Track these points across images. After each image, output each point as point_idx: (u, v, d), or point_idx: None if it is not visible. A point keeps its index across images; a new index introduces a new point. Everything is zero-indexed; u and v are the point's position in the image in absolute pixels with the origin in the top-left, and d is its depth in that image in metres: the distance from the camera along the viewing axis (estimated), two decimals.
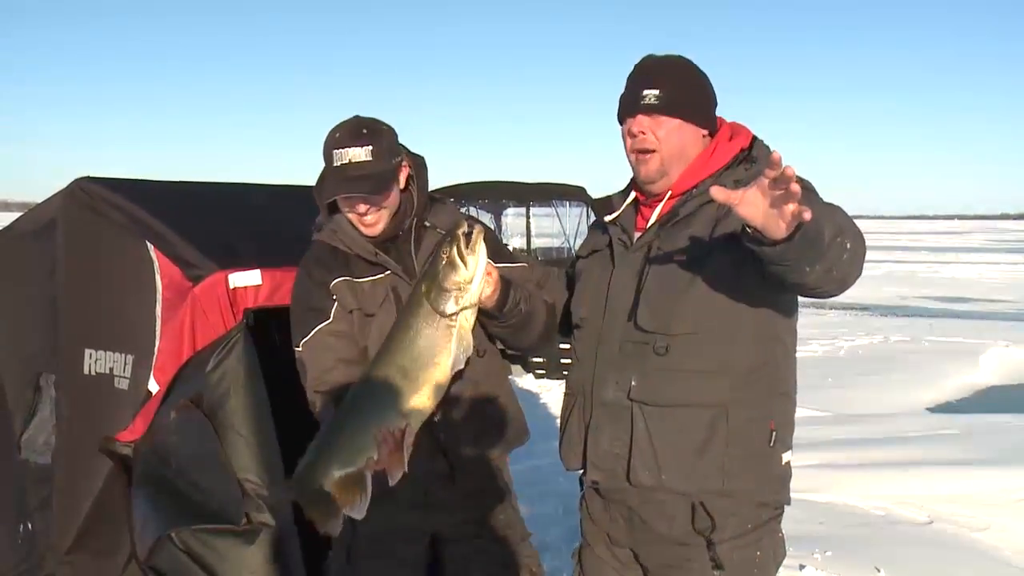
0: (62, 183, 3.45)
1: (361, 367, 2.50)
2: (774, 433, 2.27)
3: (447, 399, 2.45)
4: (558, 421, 2.56)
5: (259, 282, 3.00)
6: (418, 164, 2.64)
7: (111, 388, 3.18)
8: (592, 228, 2.65)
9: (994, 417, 8.65)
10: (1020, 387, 11.17)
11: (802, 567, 4.51)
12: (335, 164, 2.47)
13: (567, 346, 2.58)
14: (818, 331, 14.79)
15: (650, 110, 2.28)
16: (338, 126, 2.51)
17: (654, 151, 2.30)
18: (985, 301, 21.66)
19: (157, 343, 3.05)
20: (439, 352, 2.22)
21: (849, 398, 9.54)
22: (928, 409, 9.54)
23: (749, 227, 1.89)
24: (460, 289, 2.19)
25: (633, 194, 2.42)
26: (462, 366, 2.26)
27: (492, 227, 13.49)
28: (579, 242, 2.77)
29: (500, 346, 2.71)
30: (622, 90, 2.37)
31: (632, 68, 2.37)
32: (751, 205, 1.85)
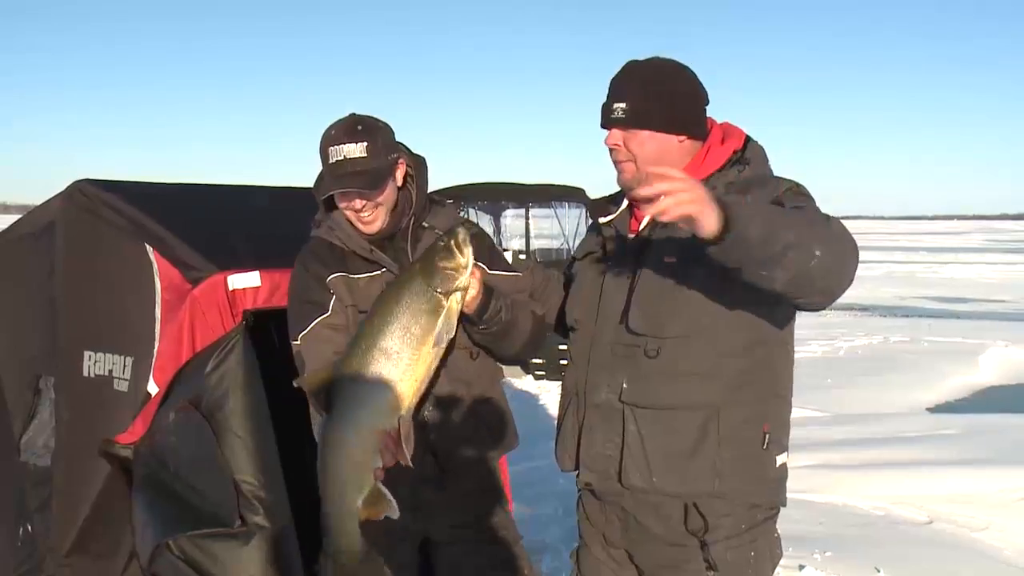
0: (61, 185, 3.45)
1: None
2: (767, 435, 2.27)
3: (438, 400, 2.45)
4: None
5: (258, 284, 3.00)
6: (418, 164, 2.64)
7: (110, 390, 3.18)
8: (589, 230, 2.66)
9: (993, 417, 8.66)
10: (1019, 387, 11.18)
11: (802, 567, 4.51)
12: (331, 161, 2.48)
13: (566, 347, 2.58)
14: (817, 331, 14.79)
15: (618, 123, 2.30)
16: (334, 124, 2.52)
17: (629, 161, 2.31)
18: (984, 301, 21.68)
19: (156, 345, 3.05)
20: (425, 328, 2.24)
21: (848, 398, 9.55)
22: (927, 409, 9.55)
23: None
24: (456, 271, 2.23)
25: (626, 199, 2.43)
26: (443, 345, 2.28)
27: (492, 228, 13.51)
28: (578, 243, 2.78)
29: None
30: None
31: (612, 77, 2.37)
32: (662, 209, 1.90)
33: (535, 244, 12.80)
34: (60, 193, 3.43)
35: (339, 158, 2.46)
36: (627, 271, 2.30)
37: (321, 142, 2.52)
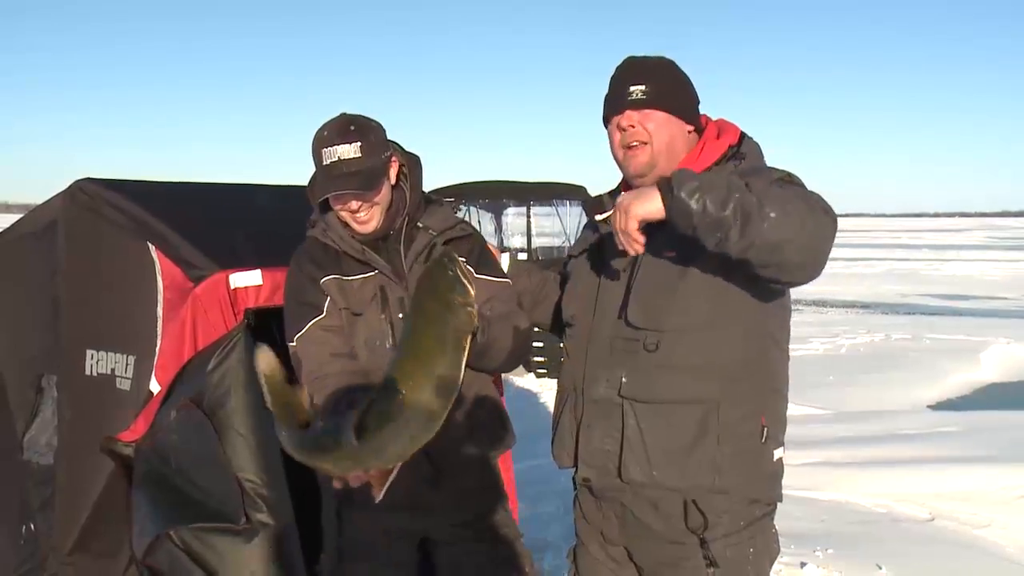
0: (62, 184, 3.45)
1: (353, 360, 2.50)
2: (765, 429, 2.28)
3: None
4: None
5: (260, 282, 3.00)
6: (412, 162, 2.63)
7: (113, 388, 3.18)
8: (584, 228, 2.66)
9: (995, 414, 8.67)
10: (1021, 384, 11.18)
11: (803, 565, 4.52)
12: (324, 163, 2.46)
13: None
14: (819, 329, 14.80)
15: (638, 105, 2.31)
16: (326, 124, 2.50)
17: (645, 143, 2.32)
18: (986, 298, 21.68)
19: (158, 343, 3.05)
20: (458, 369, 2.07)
21: (850, 396, 9.56)
22: (929, 406, 9.55)
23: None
24: (471, 305, 2.08)
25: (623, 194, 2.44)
26: (483, 388, 2.27)
27: (493, 227, 13.51)
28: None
29: None
30: (606, 91, 2.39)
31: (615, 69, 2.40)
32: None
33: (536, 242, 12.80)
34: (62, 192, 3.43)
35: (333, 159, 2.45)
36: (624, 266, 2.31)
37: (313, 143, 2.50)
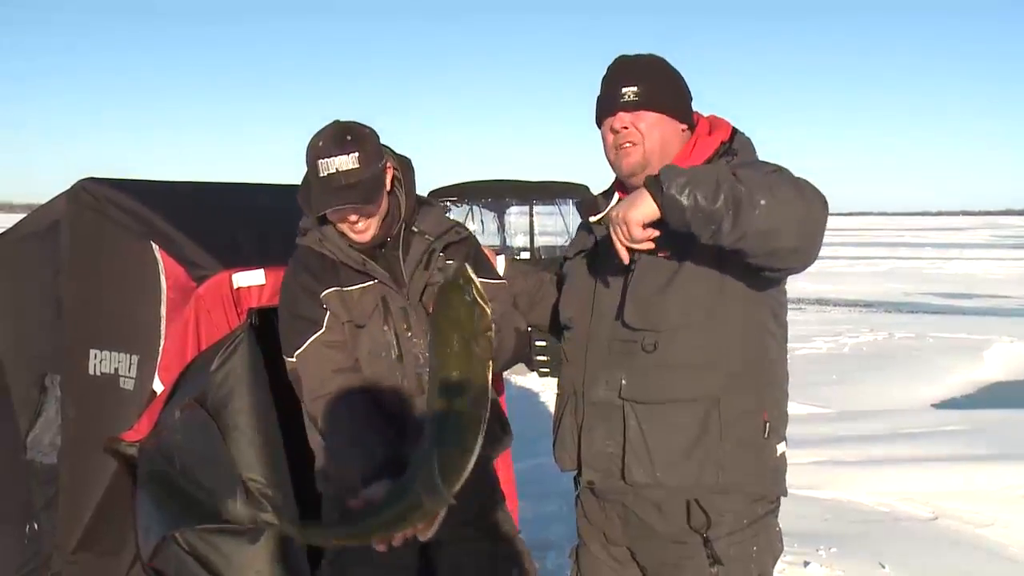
0: (66, 184, 3.45)
1: (355, 375, 2.48)
2: (767, 424, 2.28)
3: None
4: None
5: (263, 282, 3.00)
6: (404, 166, 2.59)
7: (116, 388, 3.19)
8: (579, 229, 2.65)
9: (998, 412, 8.66)
10: None
11: (806, 563, 4.52)
12: (321, 174, 2.40)
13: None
14: (822, 327, 14.79)
15: (630, 106, 2.31)
16: (320, 133, 2.44)
17: (637, 144, 2.32)
18: (989, 297, 21.66)
19: (162, 343, 3.05)
20: (486, 395, 2.08)
21: (853, 394, 9.55)
22: (932, 405, 9.55)
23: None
24: (491, 329, 2.05)
25: (617, 195, 2.42)
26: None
27: (496, 226, 13.51)
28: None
29: None
30: (598, 93, 2.39)
31: (606, 70, 2.39)
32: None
33: (539, 241, 12.80)
34: (65, 192, 3.44)
35: (331, 171, 2.38)
36: (620, 267, 2.31)
37: (308, 154, 2.44)
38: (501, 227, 13.56)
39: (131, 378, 3.15)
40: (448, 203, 12.18)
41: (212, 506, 2.92)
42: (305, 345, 2.49)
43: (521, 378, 10.06)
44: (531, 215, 12.87)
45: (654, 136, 2.31)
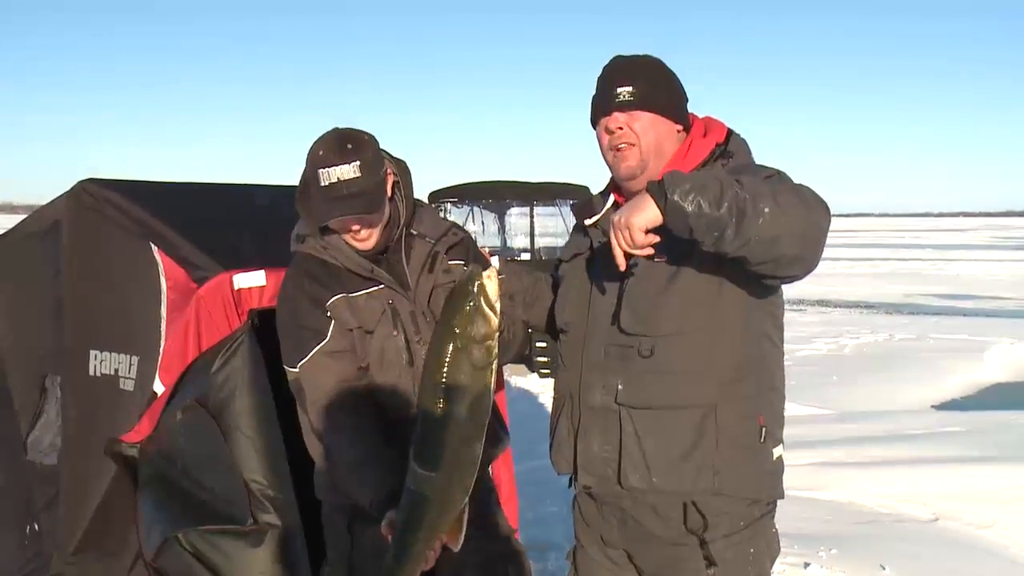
0: (66, 185, 3.46)
1: (359, 385, 2.47)
2: (764, 429, 2.27)
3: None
4: None
5: (264, 283, 3.00)
6: (402, 170, 2.57)
7: (116, 389, 3.19)
8: (574, 231, 2.63)
9: (999, 414, 8.66)
10: None
11: (807, 565, 4.51)
12: (322, 184, 2.37)
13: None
14: (823, 329, 14.80)
15: (625, 106, 2.29)
16: (319, 142, 2.42)
17: (633, 145, 2.30)
18: (990, 298, 21.66)
19: (162, 344, 3.05)
20: (485, 399, 2.08)
21: (854, 396, 9.55)
22: (933, 406, 9.55)
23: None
24: (492, 339, 2.04)
25: (612, 197, 2.42)
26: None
27: (496, 227, 13.52)
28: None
29: None
30: (593, 92, 2.37)
31: (602, 70, 2.37)
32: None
33: (539, 242, 12.80)
34: (65, 192, 3.44)
35: (332, 180, 2.36)
36: (617, 271, 2.30)
37: (308, 163, 2.42)
38: (501, 228, 13.56)
39: (131, 379, 3.15)
40: (449, 204, 12.20)
41: (214, 507, 2.92)
42: (309, 356, 2.47)
43: (521, 379, 10.05)
44: (531, 216, 12.87)
45: (649, 137, 2.30)
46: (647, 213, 2.00)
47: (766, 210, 1.93)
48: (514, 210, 13.48)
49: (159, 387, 3.03)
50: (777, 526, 2.43)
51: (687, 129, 2.37)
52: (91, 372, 3.27)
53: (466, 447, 2.11)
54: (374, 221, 2.46)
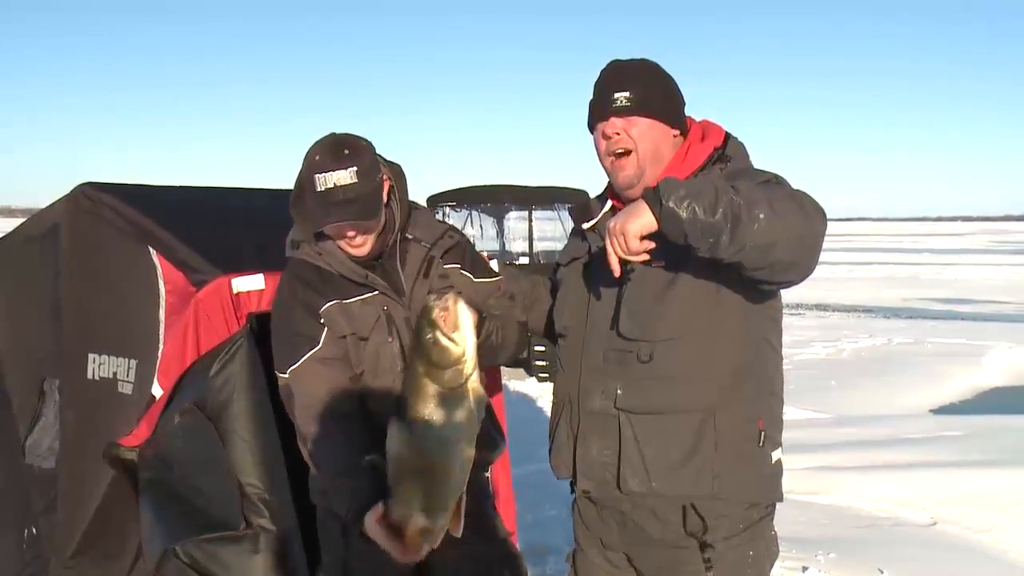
0: (65, 188, 3.46)
1: (349, 393, 2.47)
2: (763, 433, 2.27)
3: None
4: None
5: (262, 286, 3.00)
6: (396, 174, 2.56)
7: (115, 392, 3.19)
8: (572, 235, 2.62)
9: (997, 418, 8.67)
10: (1023, 388, 11.18)
11: (805, 569, 4.52)
12: (319, 189, 2.36)
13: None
14: (821, 333, 14.81)
15: (621, 112, 2.29)
16: (316, 147, 2.41)
17: (630, 151, 2.30)
18: (988, 303, 21.68)
19: (160, 347, 3.05)
20: (461, 423, 2.11)
21: (852, 400, 9.56)
22: (931, 410, 9.56)
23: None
24: (460, 363, 2.07)
25: (610, 202, 2.41)
26: (483, 414, 2.17)
27: (495, 230, 13.52)
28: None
29: None
30: (591, 98, 2.37)
31: (599, 74, 2.37)
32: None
33: (537, 246, 12.82)
34: (64, 196, 3.44)
35: (328, 186, 2.35)
36: (614, 276, 2.30)
37: (304, 168, 2.41)
38: (500, 232, 13.58)
39: (130, 382, 3.15)
40: (447, 208, 12.21)
41: (211, 513, 2.91)
42: (300, 362, 2.47)
43: (520, 383, 10.05)
44: (530, 220, 12.89)
45: (646, 143, 2.29)
46: (642, 219, 2.01)
47: (761, 216, 1.94)
48: (512, 214, 13.51)
49: (157, 390, 3.03)
50: (776, 529, 2.43)
51: (684, 133, 2.37)
52: (89, 375, 3.27)
53: (466, 458, 2.15)
54: (370, 227, 2.45)
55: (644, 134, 2.30)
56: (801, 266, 2.06)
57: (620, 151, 2.31)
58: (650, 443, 2.24)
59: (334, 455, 2.44)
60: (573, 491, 2.50)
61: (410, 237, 2.58)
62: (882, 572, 4.52)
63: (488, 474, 2.83)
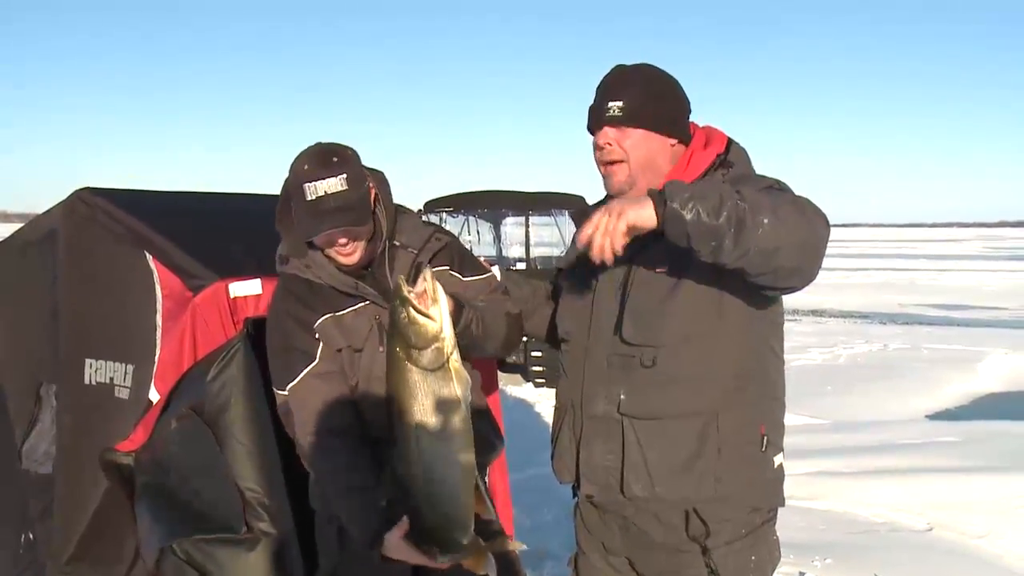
0: (61, 194, 3.46)
1: (348, 407, 2.47)
2: (765, 438, 2.28)
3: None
4: None
5: (259, 291, 3.00)
6: (379, 180, 2.55)
7: (111, 397, 3.18)
8: (574, 240, 2.65)
9: (993, 424, 8.67)
10: (1019, 394, 11.18)
11: (802, 574, 4.52)
12: (309, 198, 2.35)
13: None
14: (817, 339, 14.81)
15: (614, 122, 2.29)
16: (303, 157, 2.40)
17: (622, 162, 2.30)
18: (984, 308, 21.70)
19: (157, 352, 3.05)
20: (449, 405, 2.11)
21: (848, 406, 9.56)
22: (927, 416, 9.55)
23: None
24: (438, 340, 2.07)
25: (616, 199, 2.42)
26: (470, 392, 2.16)
27: (492, 236, 13.53)
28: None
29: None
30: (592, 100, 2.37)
31: (601, 79, 2.36)
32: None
33: (534, 252, 12.83)
34: (61, 202, 3.45)
35: (318, 194, 2.34)
36: (617, 281, 2.30)
37: (291, 178, 2.40)
38: (497, 238, 13.59)
39: (126, 387, 3.15)
40: (444, 214, 12.22)
41: (209, 516, 2.91)
42: (298, 379, 2.47)
43: (517, 388, 10.06)
44: (527, 226, 12.89)
45: (639, 154, 2.29)
46: (642, 212, 1.99)
47: (765, 221, 1.94)
48: (509, 220, 13.51)
49: (154, 395, 3.03)
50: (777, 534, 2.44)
51: (685, 140, 2.36)
52: (86, 380, 3.27)
53: (460, 441, 2.14)
54: (360, 235, 2.45)
55: (637, 145, 2.29)
56: (804, 272, 2.06)
57: (611, 162, 2.32)
58: (653, 447, 2.24)
59: (340, 471, 2.43)
60: (575, 495, 2.50)
61: (398, 244, 2.58)
62: None
63: (486, 478, 2.83)
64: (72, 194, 3.39)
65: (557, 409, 2.51)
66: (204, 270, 3.05)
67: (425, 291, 2.06)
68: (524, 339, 2.76)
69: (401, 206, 2.68)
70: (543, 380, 10.07)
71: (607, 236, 2.03)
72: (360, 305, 2.50)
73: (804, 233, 2.00)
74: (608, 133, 2.30)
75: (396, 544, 2.26)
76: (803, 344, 13.75)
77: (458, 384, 2.11)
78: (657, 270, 2.21)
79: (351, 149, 2.46)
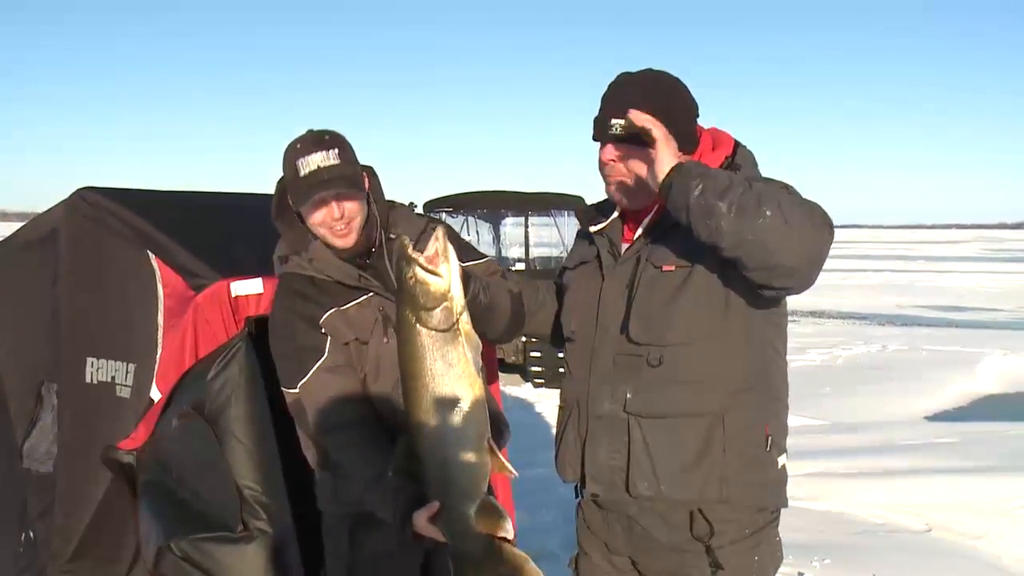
0: (61, 193, 3.47)
1: (361, 398, 2.47)
2: (769, 438, 2.28)
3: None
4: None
5: (261, 290, 3.01)
6: (370, 174, 2.58)
7: (113, 396, 3.19)
8: (578, 238, 2.62)
9: (991, 425, 8.68)
10: (1017, 395, 11.19)
11: (801, 575, 4.52)
12: (302, 173, 2.38)
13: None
14: (816, 340, 14.82)
15: (618, 140, 2.26)
16: (295, 140, 2.44)
17: (624, 178, 2.29)
18: (982, 310, 21.72)
19: (159, 351, 3.06)
20: (461, 368, 2.08)
21: (847, 407, 9.56)
22: (926, 417, 9.55)
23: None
24: (446, 299, 2.04)
25: (618, 209, 2.40)
26: (480, 360, 2.13)
27: (491, 236, 13.54)
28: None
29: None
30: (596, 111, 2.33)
31: (606, 87, 2.32)
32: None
33: (534, 252, 12.83)
34: (63, 201, 3.45)
35: (312, 168, 2.38)
36: (624, 281, 2.30)
37: (286, 158, 2.43)
38: (496, 238, 13.59)
39: (128, 386, 3.16)
40: (444, 214, 12.24)
41: (208, 515, 2.92)
42: (309, 375, 2.47)
43: (517, 389, 10.05)
44: (526, 226, 12.89)
45: (643, 171, 2.25)
46: (664, 165, 2.08)
47: (768, 213, 1.95)
48: (509, 220, 13.52)
49: (155, 394, 3.04)
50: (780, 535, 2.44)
51: (691, 149, 2.31)
52: (88, 379, 3.28)
53: (470, 402, 2.10)
54: (354, 212, 2.46)
55: (641, 165, 2.26)
56: (802, 273, 2.06)
57: (613, 179, 2.31)
58: (660, 447, 2.24)
59: (364, 461, 2.41)
60: (578, 495, 2.50)
61: (394, 236, 2.57)
62: None
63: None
64: (74, 193, 3.40)
65: (561, 408, 2.50)
66: (206, 269, 3.06)
67: (436, 252, 2.03)
68: (524, 339, 2.76)
69: (392, 201, 2.70)
70: (542, 380, 10.07)
71: (653, 126, 2.11)
72: (364, 298, 2.51)
73: (807, 235, 2.00)
74: (611, 151, 2.28)
75: (424, 525, 2.26)
76: (802, 345, 13.76)
77: (468, 347, 2.08)
78: (664, 269, 2.21)
79: (342, 135, 2.50)
